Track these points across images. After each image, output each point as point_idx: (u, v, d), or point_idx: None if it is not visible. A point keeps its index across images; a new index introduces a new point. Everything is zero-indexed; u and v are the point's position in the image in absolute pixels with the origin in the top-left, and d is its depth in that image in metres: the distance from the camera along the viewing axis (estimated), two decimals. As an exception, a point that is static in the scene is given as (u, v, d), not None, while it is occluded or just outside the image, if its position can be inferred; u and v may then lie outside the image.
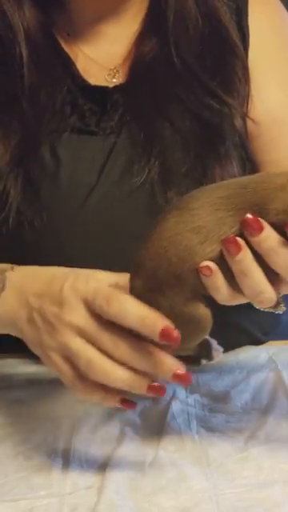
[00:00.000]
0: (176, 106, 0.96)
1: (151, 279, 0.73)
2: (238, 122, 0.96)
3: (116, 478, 0.77)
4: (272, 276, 0.72)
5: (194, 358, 0.82)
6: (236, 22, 1.00)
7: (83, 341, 0.75)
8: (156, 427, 0.85)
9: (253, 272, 0.71)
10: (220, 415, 0.87)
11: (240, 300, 0.74)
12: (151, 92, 0.97)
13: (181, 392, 0.91)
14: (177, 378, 0.73)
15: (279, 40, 1.03)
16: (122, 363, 0.74)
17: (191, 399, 0.90)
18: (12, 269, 0.85)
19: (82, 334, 0.75)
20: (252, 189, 0.72)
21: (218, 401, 0.90)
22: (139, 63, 0.99)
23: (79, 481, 0.78)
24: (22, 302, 0.81)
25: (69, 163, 0.95)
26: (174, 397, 0.90)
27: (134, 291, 0.74)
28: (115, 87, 0.98)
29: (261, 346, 1.04)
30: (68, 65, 1.00)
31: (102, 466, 0.79)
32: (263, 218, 0.71)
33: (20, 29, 0.98)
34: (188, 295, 0.73)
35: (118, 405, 0.76)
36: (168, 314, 0.73)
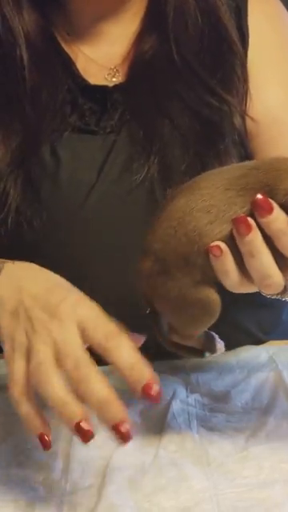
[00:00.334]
0: (176, 104, 0.96)
1: (160, 261, 0.73)
2: (237, 120, 0.96)
3: (116, 478, 0.77)
4: (281, 262, 0.72)
5: (198, 350, 0.82)
6: (235, 21, 1.00)
7: (52, 357, 0.71)
8: (156, 427, 0.85)
9: (262, 254, 0.71)
10: (220, 415, 0.87)
11: (247, 287, 0.73)
12: (151, 90, 0.97)
13: (181, 392, 0.91)
14: (118, 433, 0.70)
15: (279, 39, 1.03)
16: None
17: (191, 399, 0.90)
18: (13, 263, 0.84)
19: (56, 351, 0.71)
20: (264, 170, 0.72)
21: (219, 400, 0.90)
22: (139, 61, 0.99)
23: (79, 480, 0.78)
24: (13, 293, 0.77)
25: (69, 163, 0.95)
26: (174, 396, 0.90)
27: (142, 273, 0.74)
28: (115, 86, 0.98)
29: (261, 346, 1.04)
30: (68, 65, 1.00)
31: (102, 465, 0.79)
32: (273, 199, 0.70)
33: (20, 30, 0.98)
34: (197, 277, 0.72)
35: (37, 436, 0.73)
36: (177, 296, 0.72)
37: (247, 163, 0.75)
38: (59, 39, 1.02)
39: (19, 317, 0.75)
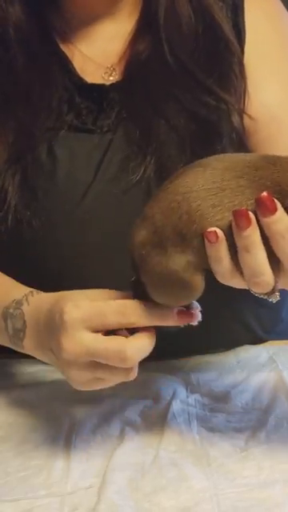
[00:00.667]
0: (172, 105, 0.96)
1: (157, 234, 0.72)
2: (235, 119, 0.96)
3: (116, 478, 0.77)
4: (274, 263, 0.71)
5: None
6: (232, 19, 1.00)
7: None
8: (156, 427, 0.85)
9: (256, 250, 0.70)
10: (220, 415, 0.87)
11: (237, 281, 0.73)
12: (147, 90, 0.97)
13: (181, 392, 0.91)
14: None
15: (277, 37, 1.03)
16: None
17: (192, 399, 0.90)
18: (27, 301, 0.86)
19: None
20: (282, 169, 0.70)
21: (219, 401, 0.90)
22: (134, 61, 0.99)
23: (79, 481, 0.78)
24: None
25: (65, 161, 0.96)
26: (174, 396, 0.90)
27: (136, 240, 0.73)
28: (111, 85, 0.98)
29: (261, 346, 1.04)
30: (65, 63, 1.00)
31: (103, 465, 0.79)
32: (281, 200, 0.69)
33: (15, 29, 0.98)
34: (189, 258, 0.72)
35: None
36: (163, 272, 0.72)
37: (270, 156, 0.73)
38: (56, 38, 1.02)
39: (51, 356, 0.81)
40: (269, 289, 0.73)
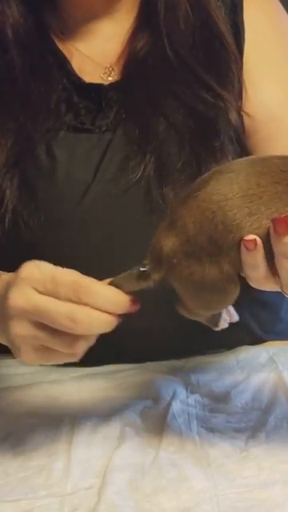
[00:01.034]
0: (171, 101, 0.96)
1: (190, 243, 0.70)
2: (233, 116, 0.96)
3: (116, 479, 0.77)
4: None
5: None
6: (231, 18, 1.00)
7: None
8: (156, 427, 0.85)
9: None
10: (220, 415, 0.87)
11: (271, 285, 0.73)
12: (146, 88, 0.97)
13: (181, 392, 0.91)
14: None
15: (277, 36, 1.03)
16: None
17: (191, 399, 0.90)
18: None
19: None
20: None
21: (219, 401, 0.90)
22: (133, 60, 0.99)
23: (80, 481, 0.78)
24: None
25: (65, 162, 0.96)
26: (174, 397, 0.90)
27: (166, 250, 0.71)
28: (110, 85, 0.99)
29: (261, 346, 1.04)
30: (63, 63, 1.00)
31: (103, 466, 0.79)
32: None
33: (12, 30, 0.98)
34: (224, 268, 0.71)
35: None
36: (198, 281, 0.71)
37: None
38: (54, 38, 1.02)
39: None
40: None
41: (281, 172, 0.69)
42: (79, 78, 0.99)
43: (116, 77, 1.00)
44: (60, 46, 1.01)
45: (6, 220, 0.94)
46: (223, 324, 0.82)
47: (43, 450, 0.83)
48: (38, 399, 0.93)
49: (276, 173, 0.70)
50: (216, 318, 0.82)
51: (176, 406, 0.88)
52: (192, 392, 0.92)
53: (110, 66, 1.01)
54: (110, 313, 0.73)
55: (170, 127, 0.95)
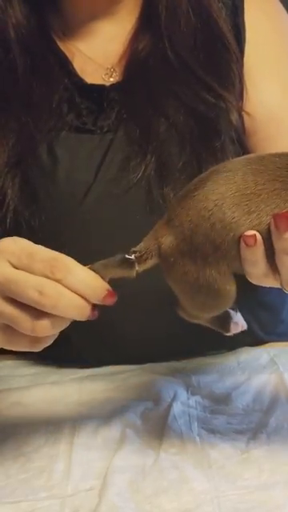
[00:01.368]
0: (172, 101, 0.97)
1: (186, 242, 0.70)
2: (233, 117, 0.96)
3: (117, 480, 0.77)
4: None
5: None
6: (232, 19, 1.01)
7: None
8: (157, 429, 0.85)
9: None
10: (221, 417, 0.87)
11: (270, 281, 0.72)
12: (147, 89, 0.98)
13: (182, 394, 0.91)
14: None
15: (277, 37, 1.04)
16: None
17: (192, 401, 0.90)
18: None
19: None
20: None
21: (220, 402, 0.90)
22: (134, 61, 0.99)
23: (80, 483, 0.78)
24: None
25: (66, 162, 0.96)
26: (175, 398, 0.90)
27: (164, 248, 0.71)
28: (111, 85, 0.99)
29: (262, 347, 1.04)
30: (65, 64, 1.00)
31: (103, 468, 0.79)
32: None
33: (15, 30, 0.98)
34: (222, 269, 0.70)
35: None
36: (194, 281, 0.70)
37: None
38: (56, 39, 1.02)
39: None
40: None
41: (278, 169, 0.69)
42: (81, 79, 1.00)
43: (117, 78, 1.01)
44: (62, 46, 1.02)
45: (8, 220, 0.94)
46: (235, 328, 0.81)
47: (44, 451, 0.83)
48: (39, 401, 0.93)
49: (273, 170, 0.69)
50: (224, 321, 0.81)
51: (177, 408, 0.88)
52: (193, 393, 0.92)
53: (112, 67, 1.01)
54: (84, 298, 0.71)
55: (170, 127, 0.96)
